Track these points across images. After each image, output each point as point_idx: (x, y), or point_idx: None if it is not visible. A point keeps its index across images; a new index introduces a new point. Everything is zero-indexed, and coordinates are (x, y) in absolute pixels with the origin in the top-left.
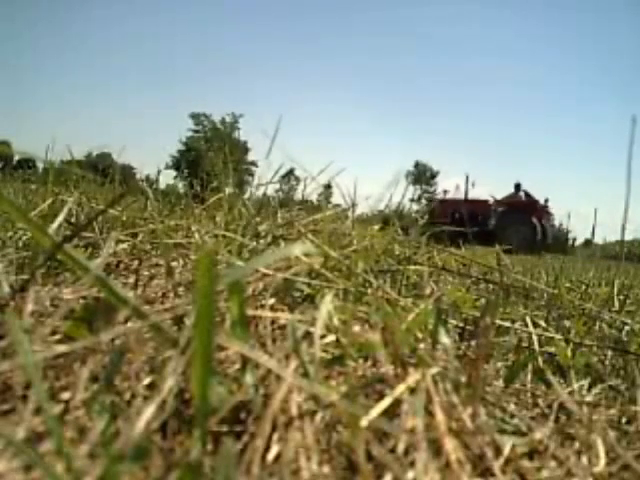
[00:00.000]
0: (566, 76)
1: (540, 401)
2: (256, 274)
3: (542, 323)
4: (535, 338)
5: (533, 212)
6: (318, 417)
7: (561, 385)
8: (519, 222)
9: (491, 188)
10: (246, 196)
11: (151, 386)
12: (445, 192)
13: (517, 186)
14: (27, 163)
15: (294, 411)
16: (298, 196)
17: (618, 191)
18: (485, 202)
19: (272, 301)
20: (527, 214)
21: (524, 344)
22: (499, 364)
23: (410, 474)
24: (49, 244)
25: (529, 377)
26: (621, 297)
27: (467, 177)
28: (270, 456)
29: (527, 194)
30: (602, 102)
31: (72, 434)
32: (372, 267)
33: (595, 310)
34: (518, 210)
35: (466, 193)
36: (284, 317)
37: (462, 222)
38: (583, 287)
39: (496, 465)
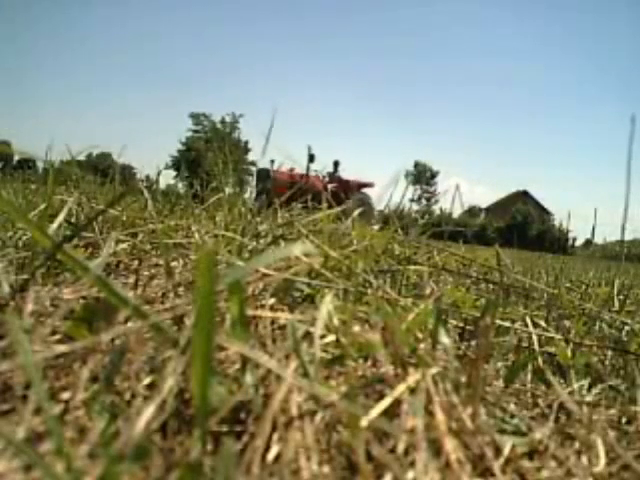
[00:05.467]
0: (566, 76)
1: (540, 401)
2: (256, 274)
3: (542, 323)
4: (535, 338)
5: (348, 190)
6: (318, 417)
7: (561, 385)
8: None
9: (491, 187)
10: (246, 196)
11: (151, 386)
12: (272, 162)
13: (336, 163)
14: (27, 163)
15: (294, 411)
16: None
17: (618, 191)
18: (317, 177)
19: (272, 301)
20: (343, 191)
21: (524, 344)
22: (499, 364)
23: (410, 474)
24: (49, 244)
25: (529, 377)
26: (621, 297)
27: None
28: (270, 456)
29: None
30: (602, 102)
31: (72, 434)
32: (372, 267)
33: (595, 310)
34: (338, 187)
35: (307, 169)
36: (284, 317)
37: (297, 193)
38: (583, 287)
39: (496, 465)
